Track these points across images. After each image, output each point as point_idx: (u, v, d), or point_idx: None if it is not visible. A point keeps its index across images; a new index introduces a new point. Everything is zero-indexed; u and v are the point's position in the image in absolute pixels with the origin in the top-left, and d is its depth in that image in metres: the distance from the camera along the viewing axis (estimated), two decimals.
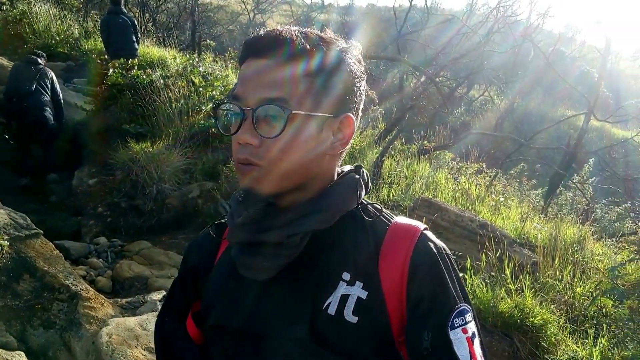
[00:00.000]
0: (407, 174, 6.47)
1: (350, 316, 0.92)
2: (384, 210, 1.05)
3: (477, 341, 0.93)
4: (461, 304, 0.94)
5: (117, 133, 6.95)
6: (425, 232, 1.00)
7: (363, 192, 1.06)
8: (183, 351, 1.17)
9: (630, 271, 4.10)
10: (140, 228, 5.95)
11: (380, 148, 7.04)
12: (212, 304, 1.07)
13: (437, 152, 7.85)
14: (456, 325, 0.92)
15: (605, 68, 12.32)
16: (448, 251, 1.01)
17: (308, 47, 0.94)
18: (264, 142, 0.92)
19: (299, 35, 0.95)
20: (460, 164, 7.66)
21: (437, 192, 6.10)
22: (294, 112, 0.91)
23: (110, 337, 3.13)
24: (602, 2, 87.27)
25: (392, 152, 7.19)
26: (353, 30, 16.81)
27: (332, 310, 0.93)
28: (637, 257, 3.55)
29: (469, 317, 0.94)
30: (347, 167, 1.10)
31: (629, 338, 3.55)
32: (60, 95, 7.38)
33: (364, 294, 0.93)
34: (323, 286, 0.95)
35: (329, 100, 0.97)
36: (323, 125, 0.97)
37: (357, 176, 1.06)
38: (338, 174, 1.07)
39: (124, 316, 3.60)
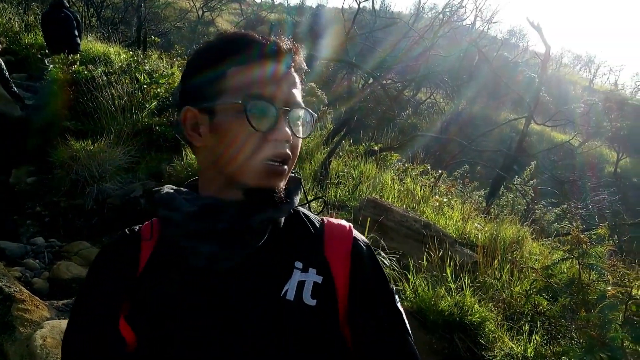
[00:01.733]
0: (354, 175, 6.53)
1: (309, 300, 0.98)
2: (311, 209, 1.18)
3: None
4: (392, 286, 1.11)
5: (57, 130, 6.74)
6: (353, 229, 1.13)
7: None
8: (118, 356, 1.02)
9: (564, 270, 4.24)
10: (80, 228, 5.76)
11: (328, 148, 7.08)
12: (164, 305, 0.99)
13: (384, 153, 7.95)
14: (397, 300, 1.09)
15: (546, 74, 12.77)
16: None
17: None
18: (293, 141, 1.01)
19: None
20: (406, 165, 7.79)
21: (383, 193, 6.17)
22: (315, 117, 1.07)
23: (44, 340, 3.04)
24: (545, 9, 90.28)
25: (340, 153, 7.24)
26: (304, 31, 16.82)
27: (290, 296, 0.97)
28: (570, 256, 3.69)
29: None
30: None
31: (560, 334, 3.68)
32: (5, 76, 6.88)
33: (319, 279, 1.01)
34: (278, 275, 1.00)
35: None
36: None
37: (299, 177, 1.14)
38: None
39: (60, 319, 3.49)
